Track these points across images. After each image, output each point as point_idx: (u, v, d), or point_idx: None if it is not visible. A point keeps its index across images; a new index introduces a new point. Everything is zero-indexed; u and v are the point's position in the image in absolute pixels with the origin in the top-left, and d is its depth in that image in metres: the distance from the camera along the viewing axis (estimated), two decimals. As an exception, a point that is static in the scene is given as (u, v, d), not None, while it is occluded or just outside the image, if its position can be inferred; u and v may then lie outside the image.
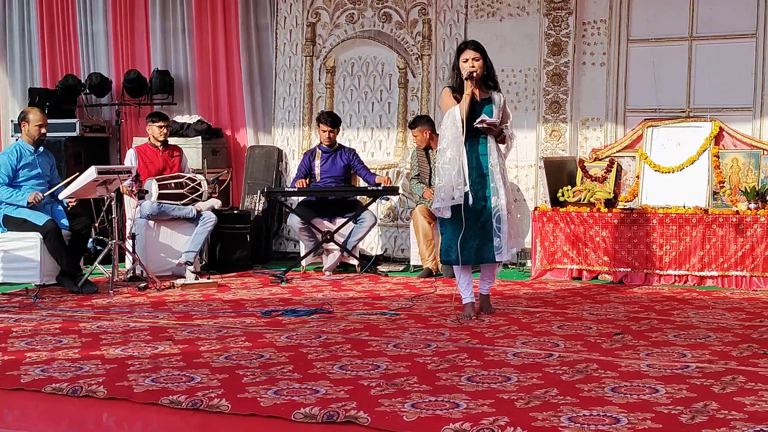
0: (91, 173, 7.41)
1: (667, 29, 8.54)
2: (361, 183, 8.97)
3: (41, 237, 7.45)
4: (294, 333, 5.72)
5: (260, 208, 9.68)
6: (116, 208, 7.73)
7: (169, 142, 8.74)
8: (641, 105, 8.65)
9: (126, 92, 10.46)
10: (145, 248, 8.25)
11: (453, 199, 5.98)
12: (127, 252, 8.05)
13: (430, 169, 8.51)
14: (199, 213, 8.35)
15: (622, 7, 8.66)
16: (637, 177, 8.45)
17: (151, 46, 10.67)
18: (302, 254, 8.76)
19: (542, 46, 8.86)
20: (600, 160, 8.61)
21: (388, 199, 9.13)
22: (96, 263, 7.70)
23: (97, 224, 8.26)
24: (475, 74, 6.02)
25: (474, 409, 3.96)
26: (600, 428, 3.70)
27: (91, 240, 8.53)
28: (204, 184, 8.45)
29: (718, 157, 8.16)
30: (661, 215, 7.80)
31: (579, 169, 8.61)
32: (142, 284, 7.70)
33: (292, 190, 8.75)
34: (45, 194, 7.56)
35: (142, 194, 8.10)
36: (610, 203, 8.22)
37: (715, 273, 7.64)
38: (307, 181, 8.76)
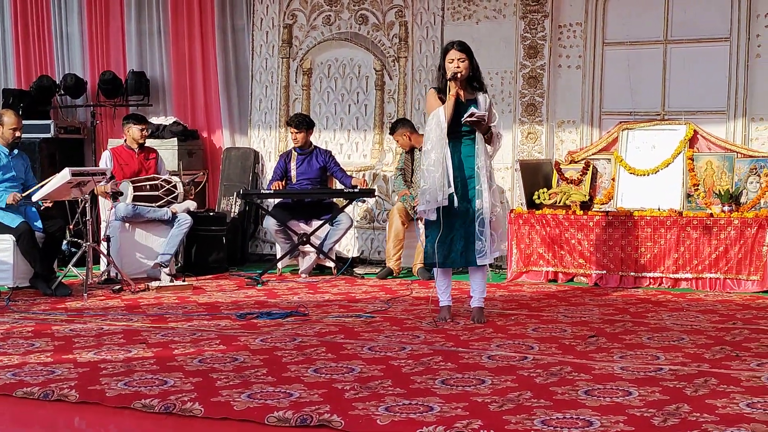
0: (64, 175, 7.36)
1: (642, 32, 8.59)
2: (338, 185, 8.96)
3: (14, 239, 7.40)
4: (269, 336, 5.70)
5: (236, 210, 9.65)
6: (91, 210, 7.68)
7: (145, 144, 8.69)
8: (617, 108, 8.69)
9: (101, 93, 10.41)
10: (120, 250, 8.20)
11: (438, 201, 5.96)
12: (101, 254, 8.00)
13: (413, 169, 8.54)
14: (174, 215, 8.32)
15: (597, 11, 8.70)
16: (613, 179, 8.48)
17: (126, 48, 10.62)
18: (278, 256, 8.75)
19: (518, 49, 8.89)
20: (576, 162, 8.64)
21: (364, 202, 9.12)
22: (70, 265, 7.66)
23: (71, 226, 8.20)
24: (459, 75, 5.97)
25: (448, 413, 3.96)
26: (572, 431, 3.71)
27: (65, 242, 8.48)
28: (179, 186, 8.41)
29: (693, 160, 8.20)
30: (636, 218, 7.83)
31: (555, 172, 8.63)
32: (117, 287, 7.66)
33: (268, 192, 8.73)
34: (23, 195, 7.51)
35: (116, 196, 8.05)
36: (585, 206, 8.25)
37: (689, 275, 7.68)
38: (284, 183, 8.74)
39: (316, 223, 8.62)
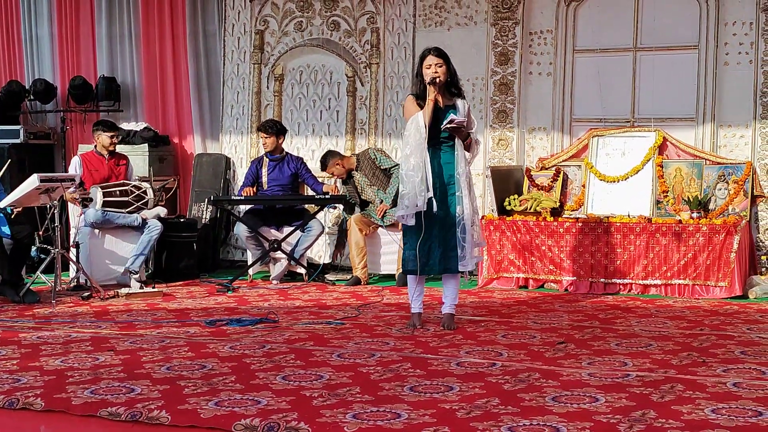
0: (33, 181, 7.30)
1: (612, 40, 8.65)
2: (309, 191, 8.95)
3: (-19, 246, 7.33)
4: (238, 343, 5.68)
5: (207, 217, 9.61)
6: (60, 216, 7.63)
7: (116, 151, 8.64)
8: (587, 114, 8.75)
9: (71, 99, 10.36)
10: (90, 257, 8.15)
11: (417, 206, 5.96)
12: (70, 261, 7.95)
13: (358, 192, 8.56)
14: (144, 221, 8.27)
15: (568, 18, 8.75)
16: (583, 186, 8.53)
17: (97, 52, 10.57)
18: (249, 263, 8.72)
19: (489, 56, 8.92)
20: (546, 169, 8.68)
21: (335, 208, 9.11)
22: (38, 272, 7.60)
23: (41, 232, 8.13)
24: (438, 80, 5.99)
25: (415, 420, 3.96)
26: (539, 438, 3.72)
27: (34, 248, 8.41)
28: (149, 192, 8.37)
29: (662, 167, 8.27)
30: (605, 224, 7.87)
31: (525, 178, 8.67)
32: (86, 293, 7.61)
33: (239, 198, 8.70)
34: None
35: (86, 202, 8.00)
36: (556, 212, 8.28)
37: (658, 281, 7.73)
38: (255, 189, 8.72)
39: (287, 230, 8.61)
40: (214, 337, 5.88)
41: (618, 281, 7.83)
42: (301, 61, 9.74)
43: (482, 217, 8.31)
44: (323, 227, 8.73)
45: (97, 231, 8.27)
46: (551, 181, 8.57)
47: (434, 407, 4.15)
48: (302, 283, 8.49)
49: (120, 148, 8.94)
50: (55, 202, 7.54)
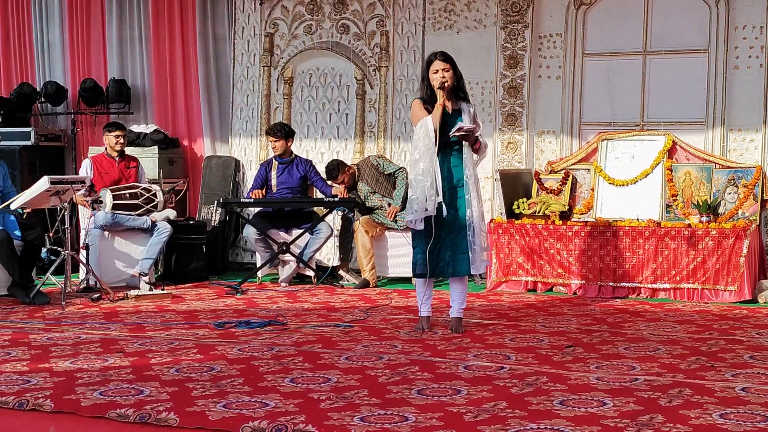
0: (43, 183, 7.33)
1: (621, 44, 8.64)
2: (318, 194, 8.96)
3: (-8, 247, 7.37)
4: (246, 345, 5.70)
5: (217, 219, 9.63)
6: (70, 218, 7.66)
7: (126, 153, 8.67)
8: (596, 118, 8.74)
9: (82, 101, 10.39)
10: (99, 259, 8.18)
11: (426, 210, 5.97)
12: (80, 263, 7.98)
13: (362, 201, 8.63)
14: (154, 223, 8.30)
15: (577, 22, 8.75)
16: (592, 190, 8.52)
17: (107, 55, 10.61)
18: (258, 265, 8.74)
19: (499, 59, 8.93)
20: (555, 172, 8.68)
21: (344, 211, 9.12)
22: (48, 274, 7.62)
23: (51, 234, 8.17)
24: (446, 84, 6.02)
25: (422, 423, 3.97)
26: (547, 442, 3.73)
27: (45, 250, 8.45)
28: (159, 194, 8.39)
29: (672, 171, 8.26)
30: (614, 228, 7.87)
31: (534, 182, 8.67)
32: (96, 295, 7.63)
33: (248, 201, 8.72)
34: (2, 205, 7.49)
35: (96, 205, 8.03)
36: (564, 216, 8.28)
37: (667, 285, 7.71)
38: (264, 191, 8.74)
39: (296, 232, 8.63)
40: (223, 339, 5.90)
41: (627, 285, 7.82)
42: (310, 64, 9.77)
43: (491, 221, 8.31)
44: (332, 230, 8.74)
45: (106, 233, 8.29)
46: (560, 185, 8.57)
47: (442, 410, 4.16)
48: (311, 285, 8.50)
49: (130, 151, 8.97)
50: (66, 204, 7.57)
